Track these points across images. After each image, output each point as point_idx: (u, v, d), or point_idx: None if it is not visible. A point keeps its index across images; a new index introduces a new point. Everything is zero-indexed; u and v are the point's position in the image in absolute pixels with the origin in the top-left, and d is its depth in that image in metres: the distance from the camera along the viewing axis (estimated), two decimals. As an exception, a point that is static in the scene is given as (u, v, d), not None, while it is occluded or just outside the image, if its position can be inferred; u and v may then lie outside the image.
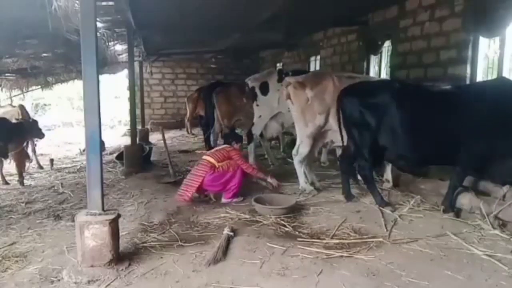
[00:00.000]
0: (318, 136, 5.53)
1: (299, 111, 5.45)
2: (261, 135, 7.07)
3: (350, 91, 4.82)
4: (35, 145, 7.88)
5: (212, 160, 5.11)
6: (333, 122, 5.25)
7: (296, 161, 5.53)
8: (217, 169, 5.04)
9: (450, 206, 4.35)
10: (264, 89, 6.62)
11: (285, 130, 7.15)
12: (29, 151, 7.82)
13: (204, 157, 5.31)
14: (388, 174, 5.56)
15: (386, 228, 4.04)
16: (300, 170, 5.51)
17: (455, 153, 4.26)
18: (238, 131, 7.79)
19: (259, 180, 5.63)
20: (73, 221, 3.62)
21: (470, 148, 4.18)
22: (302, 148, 5.47)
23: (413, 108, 4.42)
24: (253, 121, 6.79)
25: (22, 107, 8.31)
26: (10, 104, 8.97)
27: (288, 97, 5.55)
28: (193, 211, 4.69)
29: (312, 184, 5.59)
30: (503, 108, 4.05)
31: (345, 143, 5.04)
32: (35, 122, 7.74)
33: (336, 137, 5.38)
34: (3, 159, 6.64)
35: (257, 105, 6.68)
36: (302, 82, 5.44)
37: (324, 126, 5.39)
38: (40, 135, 7.71)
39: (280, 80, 6.56)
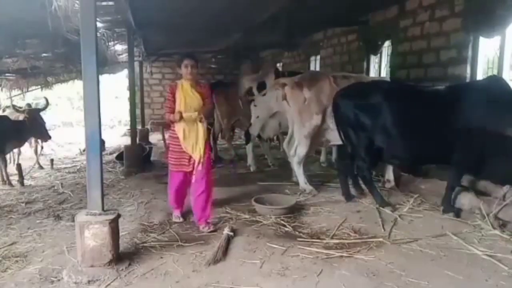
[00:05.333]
0: (315, 135, 5.53)
1: (296, 112, 5.44)
2: (259, 136, 7.02)
3: (343, 93, 4.83)
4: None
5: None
6: (329, 122, 5.26)
7: (294, 162, 5.53)
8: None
9: (450, 206, 4.35)
10: (262, 89, 6.60)
11: (282, 130, 7.13)
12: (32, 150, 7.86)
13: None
14: (389, 174, 5.54)
15: (385, 228, 4.04)
16: (299, 170, 5.50)
17: (448, 153, 4.26)
18: (237, 131, 7.77)
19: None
20: (73, 221, 3.61)
21: (463, 147, 4.17)
22: (300, 149, 5.45)
23: (404, 108, 4.43)
24: (251, 121, 6.77)
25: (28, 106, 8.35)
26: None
27: (284, 98, 5.54)
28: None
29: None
30: (494, 107, 4.05)
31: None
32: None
33: (332, 136, 5.38)
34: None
35: (255, 106, 6.66)
36: (299, 82, 5.44)
37: (322, 125, 5.38)
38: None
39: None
